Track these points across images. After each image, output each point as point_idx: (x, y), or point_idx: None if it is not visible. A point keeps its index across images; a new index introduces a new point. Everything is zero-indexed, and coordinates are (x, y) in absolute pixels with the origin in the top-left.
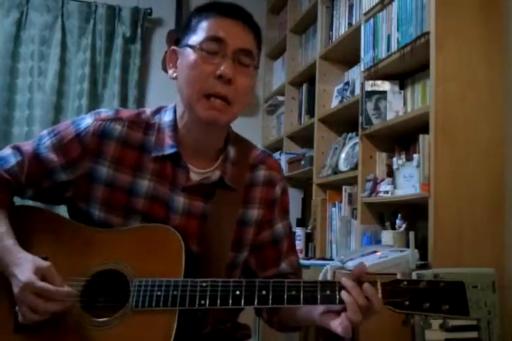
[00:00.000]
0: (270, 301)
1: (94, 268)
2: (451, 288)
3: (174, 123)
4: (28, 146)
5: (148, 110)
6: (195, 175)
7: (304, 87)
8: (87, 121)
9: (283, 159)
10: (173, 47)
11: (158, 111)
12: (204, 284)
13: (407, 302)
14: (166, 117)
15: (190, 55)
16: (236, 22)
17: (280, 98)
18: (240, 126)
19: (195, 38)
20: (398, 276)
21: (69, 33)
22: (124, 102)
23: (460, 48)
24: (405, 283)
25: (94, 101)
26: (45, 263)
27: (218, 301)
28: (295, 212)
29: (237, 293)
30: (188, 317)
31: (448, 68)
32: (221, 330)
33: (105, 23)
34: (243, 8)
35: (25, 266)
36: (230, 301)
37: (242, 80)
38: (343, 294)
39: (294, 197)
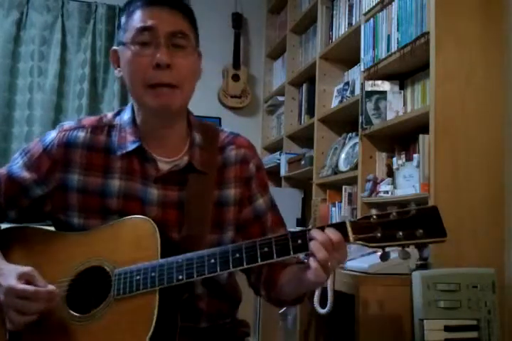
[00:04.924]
0: (244, 262)
1: (78, 269)
2: (423, 213)
3: (133, 120)
4: (2, 170)
5: (109, 113)
6: (164, 164)
7: (304, 87)
8: (52, 135)
9: (283, 159)
10: (113, 47)
11: (118, 112)
12: (180, 260)
13: (378, 235)
14: (125, 116)
15: (126, 52)
16: (162, 8)
17: (280, 98)
18: (240, 126)
19: (127, 34)
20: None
21: (69, 33)
22: (124, 102)
23: (460, 48)
24: (375, 217)
25: (94, 101)
26: (27, 268)
27: (195, 273)
28: (295, 212)
29: (212, 261)
30: (173, 299)
31: (448, 68)
32: (219, 326)
33: (105, 23)
34: None
35: (8, 274)
36: (206, 270)
37: (182, 62)
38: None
39: (294, 197)
